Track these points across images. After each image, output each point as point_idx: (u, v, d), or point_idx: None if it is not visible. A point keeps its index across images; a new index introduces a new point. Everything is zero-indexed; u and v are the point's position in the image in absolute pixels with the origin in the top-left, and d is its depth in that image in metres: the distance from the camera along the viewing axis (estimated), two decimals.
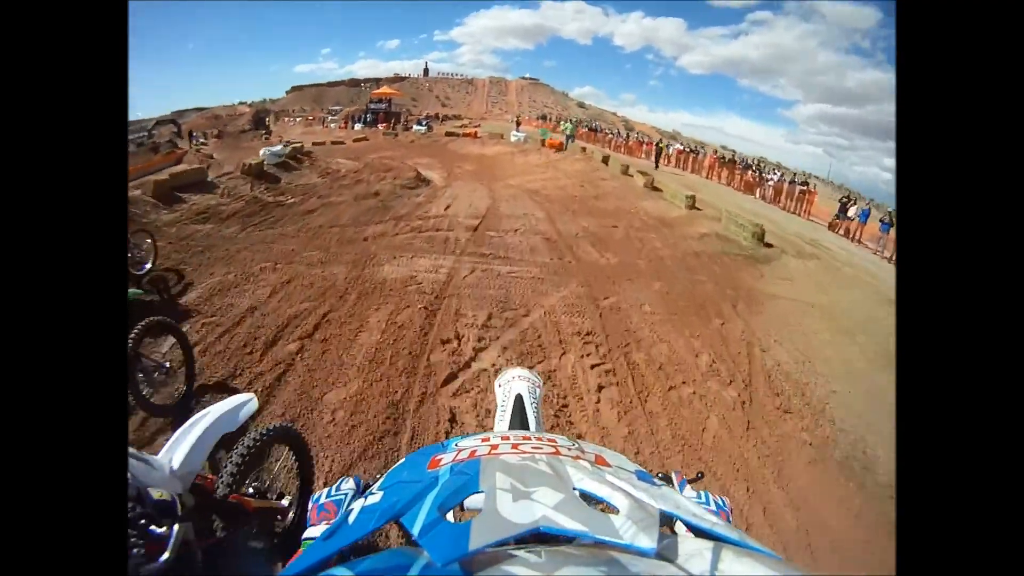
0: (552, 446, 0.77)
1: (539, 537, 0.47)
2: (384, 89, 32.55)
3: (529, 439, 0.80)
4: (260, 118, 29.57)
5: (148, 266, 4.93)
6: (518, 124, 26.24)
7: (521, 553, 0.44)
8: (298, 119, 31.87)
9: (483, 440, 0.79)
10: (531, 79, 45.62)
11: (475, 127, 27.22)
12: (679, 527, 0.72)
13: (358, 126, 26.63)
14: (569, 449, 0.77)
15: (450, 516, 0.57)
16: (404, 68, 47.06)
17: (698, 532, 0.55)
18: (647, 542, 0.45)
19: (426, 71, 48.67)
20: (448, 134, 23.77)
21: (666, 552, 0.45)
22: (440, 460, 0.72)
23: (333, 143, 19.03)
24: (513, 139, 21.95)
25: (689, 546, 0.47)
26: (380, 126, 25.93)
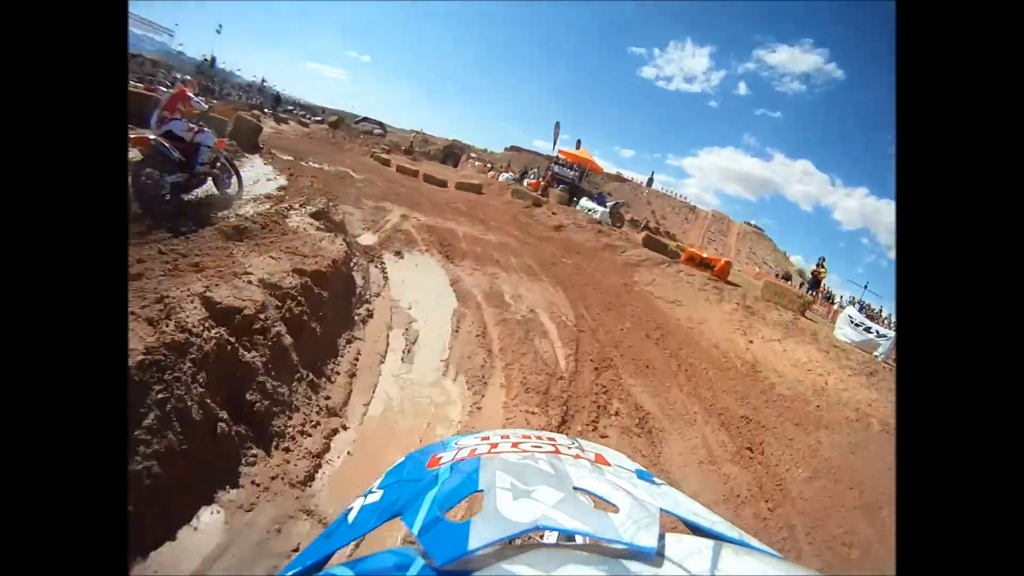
0: (552, 445, 0.77)
1: (539, 536, 0.47)
2: (579, 153, 21.43)
3: (529, 438, 0.80)
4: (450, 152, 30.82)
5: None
6: None
7: (521, 552, 0.44)
8: (477, 164, 30.71)
9: (483, 439, 0.79)
10: (755, 227, 38.60)
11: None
12: (679, 526, 0.72)
13: (526, 181, 21.96)
14: (569, 448, 0.77)
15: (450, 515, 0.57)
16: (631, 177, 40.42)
17: (698, 531, 0.55)
18: (647, 541, 0.45)
19: (650, 181, 41.01)
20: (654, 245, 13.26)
21: (666, 551, 0.45)
22: (440, 459, 0.72)
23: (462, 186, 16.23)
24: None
25: (689, 545, 0.47)
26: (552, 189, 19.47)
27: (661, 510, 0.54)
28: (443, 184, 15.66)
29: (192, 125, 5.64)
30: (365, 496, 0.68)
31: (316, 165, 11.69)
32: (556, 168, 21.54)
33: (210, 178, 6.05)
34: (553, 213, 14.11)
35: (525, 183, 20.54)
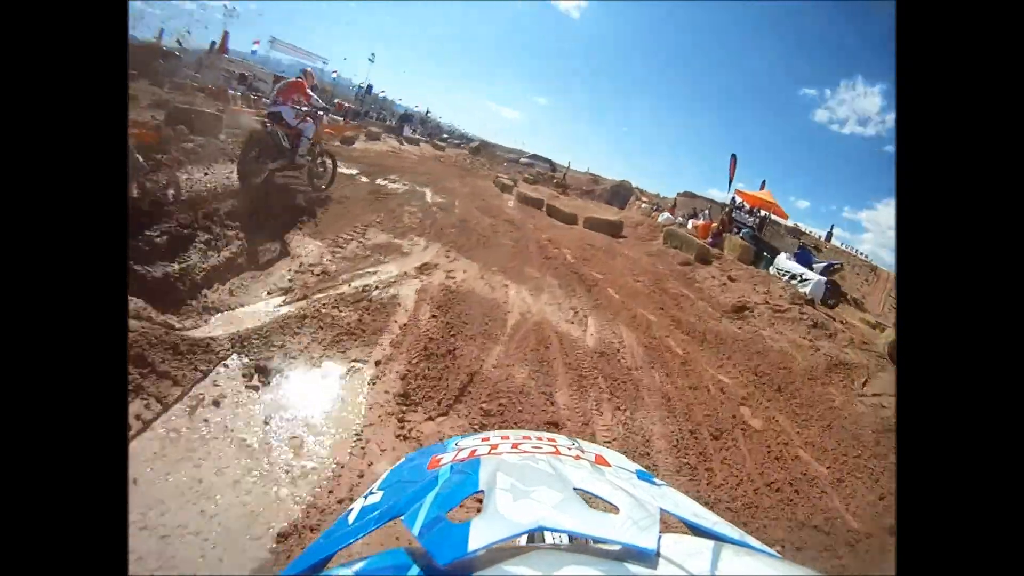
0: (552, 445, 0.77)
1: (539, 537, 0.47)
2: (762, 195, 15.84)
3: (529, 439, 0.80)
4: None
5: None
6: None
7: (521, 553, 0.44)
8: (644, 206, 27.70)
9: (483, 440, 0.79)
10: None
11: None
12: (679, 526, 0.72)
13: (691, 222, 15.99)
14: (569, 448, 0.77)
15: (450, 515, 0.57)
16: None
17: (698, 532, 0.55)
18: (647, 541, 0.45)
19: (830, 236, 30.36)
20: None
21: (666, 552, 0.45)
22: (440, 460, 0.72)
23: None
24: None
25: (689, 546, 0.47)
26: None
27: (661, 511, 0.54)
28: (571, 221, 11.47)
29: (300, 113, 6.05)
30: (365, 497, 0.68)
31: (394, 184, 9.06)
32: (735, 213, 15.72)
33: (307, 168, 6.48)
34: (730, 279, 8.42)
35: (691, 224, 14.57)
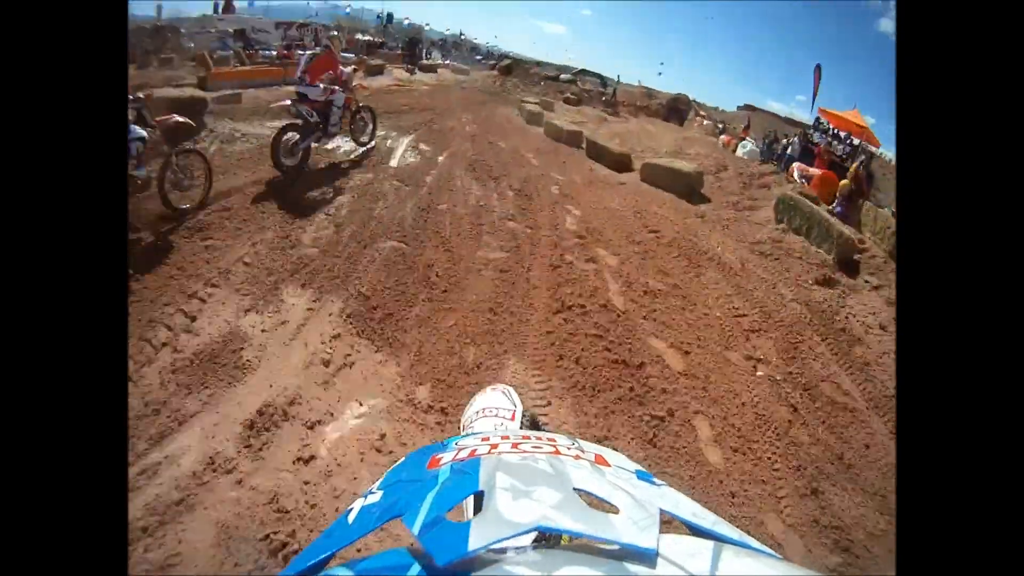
0: (552, 445, 0.77)
1: (539, 537, 0.47)
2: (850, 117, 12.37)
3: (529, 438, 0.80)
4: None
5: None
6: None
7: (521, 553, 0.44)
8: (707, 123, 23.42)
9: (483, 439, 0.79)
10: None
11: None
12: (679, 527, 0.72)
13: (795, 169, 10.37)
14: (569, 448, 0.77)
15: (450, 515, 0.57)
16: None
17: (698, 532, 0.55)
18: (647, 542, 0.45)
19: None
20: None
21: (666, 552, 0.45)
22: (440, 459, 0.72)
23: None
24: None
25: (689, 546, 0.47)
26: None
27: (661, 511, 0.54)
28: (622, 167, 7.76)
29: (325, 87, 5.88)
30: (365, 496, 0.68)
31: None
32: (817, 137, 12.82)
33: (349, 132, 6.47)
34: None
35: (797, 174, 9.44)
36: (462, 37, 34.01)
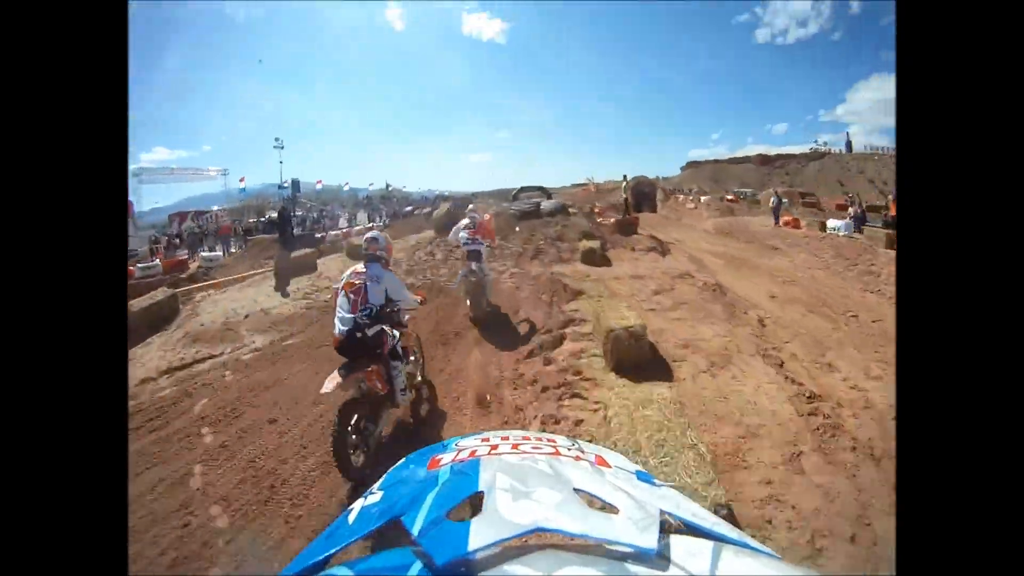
0: (552, 446, 0.77)
1: (539, 537, 0.47)
2: None
3: (529, 439, 0.80)
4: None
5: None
6: None
7: (521, 553, 0.44)
8: (692, 195, 22.99)
9: (483, 440, 0.79)
10: None
11: None
12: (679, 527, 0.72)
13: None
14: (569, 449, 0.77)
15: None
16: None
17: (698, 532, 0.55)
18: (647, 542, 0.45)
19: (849, 145, 33.16)
20: None
21: (666, 552, 0.45)
22: (440, 460, 0.72)
23: None
24: None
25: (689, 546, 0.47)
26: None
27: (661, 511, 0.54)
28: None
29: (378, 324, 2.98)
30: (365, 497, 0.68)
31: None
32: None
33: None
34: None
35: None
36: (390, 189, 30.76)
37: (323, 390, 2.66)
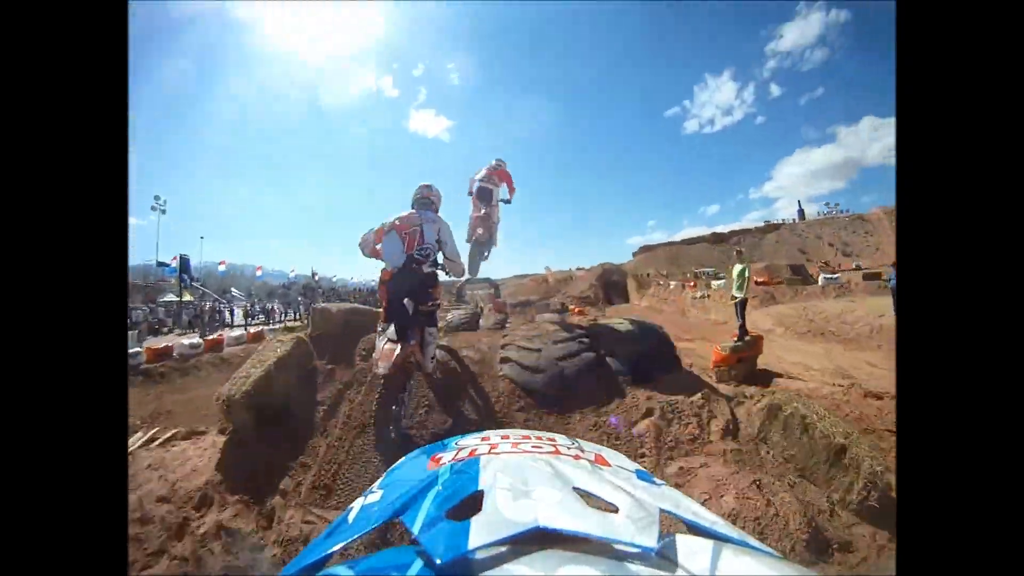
0: (552, 445, 0.77)
1: (539, 536, 0.47)
2: None
3: (529, 438, 0.80)
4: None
5: None
6: None
7: (521, 552, 0.44)
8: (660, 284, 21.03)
9: (483, 439, 0.79)
10: None
11: None
12: (679, 526, 0.72)
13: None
14: (569, 448, 0.77)
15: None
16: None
17: (698, 531, 0.55)
18: (647, 541, 0.45)
19: (802, 213, 34.80)
20: None
21: (666, 551, 0.45)
22: (440, 459, 0.72)
23: None
24: None
25: (689, 545, 0.47)
26: None
27: (661, 511, 0.54)
28: None
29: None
30: (365, 496, 0.68)
31: None
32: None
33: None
34: None
35: None
36: (316, 279, 25.48)
37: (379, 371, 2.53)
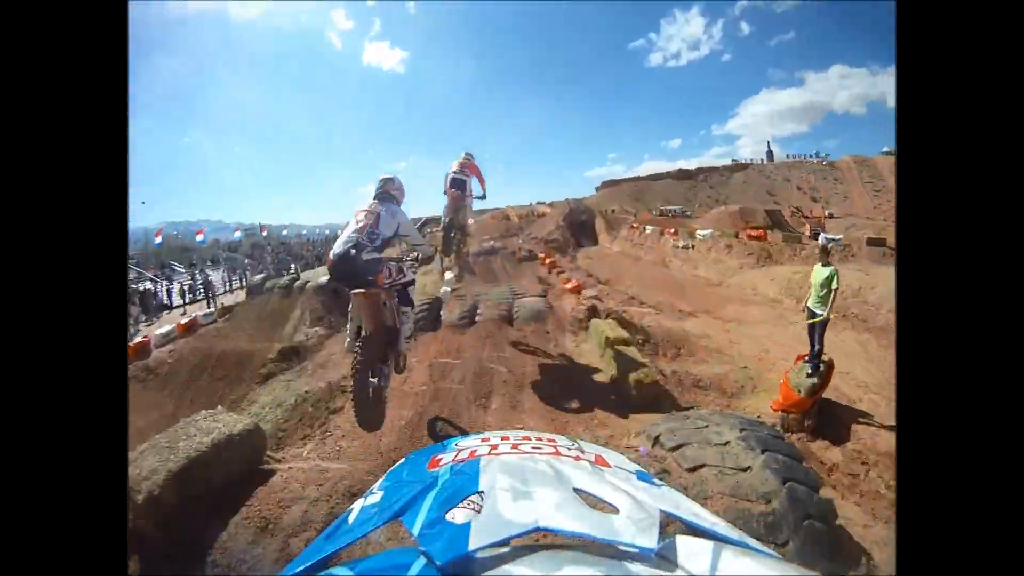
0: (552, 446, 0.77)
1: (539, 537, 0.47)
2: None
3: (529, 439, 0.80)
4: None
5: None
6: None
7: (521, 553, 0.44)
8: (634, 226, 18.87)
9: (483, 440, 0.79)
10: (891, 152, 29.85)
11: None
12: (679, 527, 0.72)
13: None
14: (569, 449, 0.77)
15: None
16: (691, 165, 32.36)
17: (698, 532, 0.55)
18: (647, 542, 0.45)
19: (771, 154, 33.16)
20: None
21: (666, 552, 0.45)
22: (440, 460, 0.72)
23: None
24: None
25: (689, 546, 0.47)
26: None
27: (661, 511, 0.54)
28: None
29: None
30: (365, 497, 0.68)
31: None
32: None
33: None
34: None
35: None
36: (264, 233, 21.29)
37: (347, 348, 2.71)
